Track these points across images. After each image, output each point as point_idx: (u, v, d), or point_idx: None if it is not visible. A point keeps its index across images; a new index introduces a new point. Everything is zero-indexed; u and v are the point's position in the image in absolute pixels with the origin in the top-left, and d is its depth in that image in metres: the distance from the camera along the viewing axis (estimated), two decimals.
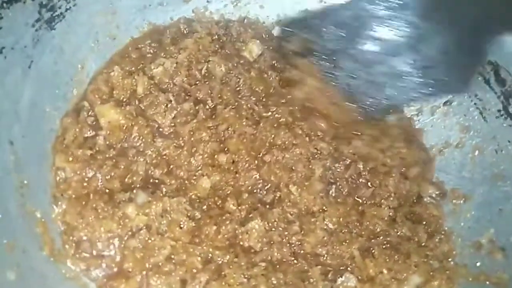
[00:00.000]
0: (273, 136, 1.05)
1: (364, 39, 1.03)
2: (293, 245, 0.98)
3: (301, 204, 1.01)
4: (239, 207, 0.99)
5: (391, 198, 1.04)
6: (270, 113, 1.08)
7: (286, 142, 1.04)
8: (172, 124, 1.03)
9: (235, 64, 1.11)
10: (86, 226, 0.94)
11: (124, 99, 1.06)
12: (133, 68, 1.10)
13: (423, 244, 1.02)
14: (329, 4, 1.20)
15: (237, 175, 1.02)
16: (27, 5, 0.94)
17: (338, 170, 1.05)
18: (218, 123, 1.04)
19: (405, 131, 1.15)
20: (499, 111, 1.07)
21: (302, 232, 0.99)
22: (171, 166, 1.02)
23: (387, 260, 0.97)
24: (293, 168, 1.03)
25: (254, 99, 1.09)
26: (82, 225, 0.94)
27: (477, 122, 1.11)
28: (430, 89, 1.03)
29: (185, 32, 1.16)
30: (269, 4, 1.26)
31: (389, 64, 1.03)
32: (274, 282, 0.93)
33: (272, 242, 0.97)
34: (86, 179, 0.98)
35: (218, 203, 1.00)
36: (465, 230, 1.06)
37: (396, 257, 0.97)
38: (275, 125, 1.06)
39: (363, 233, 1.01)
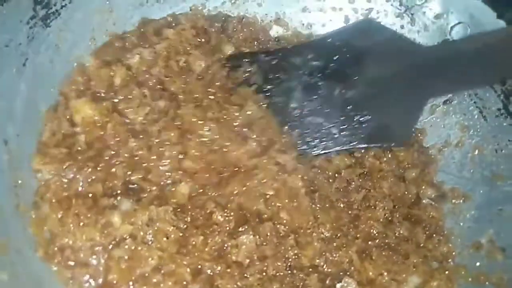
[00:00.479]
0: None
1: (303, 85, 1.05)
2: (289, 259, 0.94)
3: (293, 224, 0.97)
4: (227, 218, 0.94)
5: (386, 200, 1.03)
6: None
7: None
8: (144, 122, 0.99)
9: (215, 60, 1.09)
10: (67, 234, 0.90)
11: (101, 92, 1.02)
12: (110, 59, 1.07)
13: (421, 245, 1.01)
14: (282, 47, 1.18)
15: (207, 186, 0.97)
16: (22, 2, 0.93)
17: (324, 182, 1.02)
18: (182, 123, 1.00)
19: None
20: (499, 110, 1.06)
21: (298, 246, 0.95)
22: (145, 170, 0.97)
23: (386, 261, 0.96)
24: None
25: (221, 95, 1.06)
26: (63, 233, 0.90)
27: (477, 121, 1.11)
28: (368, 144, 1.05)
29: (172, 24, 1.14)
30: (267, 2, 1.24)
31: (324, 112, 1.04)
32: None
33: (265, 257, 0.93)
34: (66, 181, 0.93)
35: (202, 213, 0.95)
36: (465, 230, 1.05)
37: (394, 258, 0.97)
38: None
39: (359, 235, 0.99)
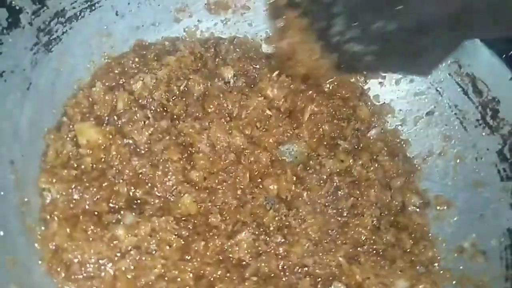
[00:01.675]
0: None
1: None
2: (279, 256, 0.99)
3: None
4: (225, 221, 1.01)
5: (373, 208, 1.07)
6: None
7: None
8: (148, 142, 1.03)
9: (214, 84, 1.14)
10: (75, 248, 0.92)
11: (104, 115, 1.06)
12: (114, 84, 1.12)
13: (408, 250, 1.06)
14: None
15: (212, 193, 1.03)
16: (26, 30, 0.99)
17: (316, 184, 1.07)
18: (185, 139, 1.06)
19: (388, 144, 1.19)
20: (477, 120, 1.12)
21: (288, 242, 1.01)
22: (149, 185, 1.01)
23: (374, 266, 1.00)
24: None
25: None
26: (72, 247, 0.92)
27: (458, 131, 1.16)
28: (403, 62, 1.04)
29: (170, 50, 1.20)
30: (258, 22, 1.31)
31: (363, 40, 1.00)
32: None
33: (260, 253, 0.99)
34: (74, 201, 0.97)
35: (203, 220, 1.01)
36: (449, 235, 1.10)
37: (382, 263, 1.00)
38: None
39: (347, 241, 1.03)
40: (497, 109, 1.09)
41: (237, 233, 0.99)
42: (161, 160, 1.02)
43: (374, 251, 1.04)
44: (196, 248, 0.97)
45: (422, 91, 1.23)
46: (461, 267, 1.04)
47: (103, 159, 1.01)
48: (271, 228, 1.03)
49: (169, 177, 1.01)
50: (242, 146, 1.09)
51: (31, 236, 0.92)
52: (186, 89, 1.12)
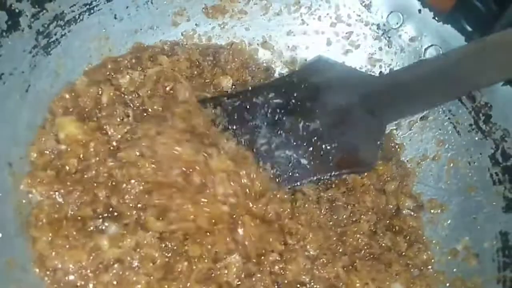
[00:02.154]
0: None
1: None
2: (275, 275, 0.97)
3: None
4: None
5: (370, 213, 1.08)
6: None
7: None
8: (120, 140, 1.00)
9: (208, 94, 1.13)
10: (56, 256, 0.90)
11: (87, 110, 1.04)
12: (101, 79, 1.11)
13: (403, 253, 1.07)
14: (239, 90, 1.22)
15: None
16: (25, 33, 0.99)
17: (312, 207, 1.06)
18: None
19: (382, 148, 1.19)
20: (470, 125, 1.14)
21: (284, 260, 0.98)
22: (121, 192, 0.96)
23: (370, 271, 1.01)
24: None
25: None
26: (52, 254, 0.90)
27: (451, 136, 1.18)
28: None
29: (168, 53, 1.20)
30: (254, 27, 1.32)
31: (292, 145, 1.08)
32: None
33: (252, 274, 0.95)
34: (57, 205, 0.94)
35: (182, 242, 0.95)
36: (443, 238, 1.12)
37: (378, 267, 1.02)
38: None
39: (346, 250, 1.03)
40: (490, 114, 1.11)
41: (225, 255, 0.95)
42: (128, 163, 0.97)
43: (371, 256, 1.05)
44: (179, 268, 0.93)
45: None
46: (454, 270, 1.06)
47: (82, 157, 0.98)
48: (265, 250, 0.98)
49: (131, 184, 0.96)
50: None
51: (28, 239, 0.92)
52: (172, 91, 1.11)
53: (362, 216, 1.08)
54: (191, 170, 0.98)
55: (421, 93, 1.08)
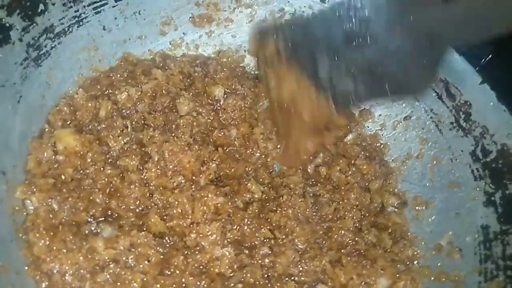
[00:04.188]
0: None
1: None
2: (265, 267, 1.01)
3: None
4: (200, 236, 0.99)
5: (354, 210, 1.11)
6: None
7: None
8: (120, 150, 1.05)
9: (202, 103, 1.17)
10: (54, 259, 0.92)
11: (85, 122, 1.08)
12: (99, 93, 1.15)
13: (388, 249, 1.09)
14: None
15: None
16: (16, 46, 1.03)
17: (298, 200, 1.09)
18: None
19: (365, 148, 1.24)
20: (452, 123, 1.17)
21: (273, 253, 1.01)
22: (121, 197, 1.01)
23: (356, 266, 1.03)
24: None
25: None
26: (50, 258, 0.92)
27: (434, 134, 1.21)
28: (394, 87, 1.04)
29: (159, 66, 1.24)
30: (241, 34, 1.36)
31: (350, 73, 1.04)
32: None
33: (244, 265, 0.99)
34: (53, 211, 0.97)
35: (180, 237, 1.00)
36: (427, 234, 1.15)
37: (363, 262, 1.04)
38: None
39: (332, 246, 1.06)
40: (470, 112, 1.14)
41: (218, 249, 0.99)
42: (129, 172, 1.03)
43: (356, 252, 1.07)
44: (175, 263, 0.97)
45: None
46: (439, 264, 1.09)
47: (79, 167, 1.02)
48: (256, 243, 1.03)
49: (133, 189, 1.02)
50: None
51: (22, 244, 0.95)
52: (170, 104, 1.15)
53: (346, 213, 1.10)
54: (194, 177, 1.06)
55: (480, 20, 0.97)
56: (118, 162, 1.04)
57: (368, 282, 1.03)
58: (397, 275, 1.05)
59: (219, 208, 1.03)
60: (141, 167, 1.04)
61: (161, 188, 1.04)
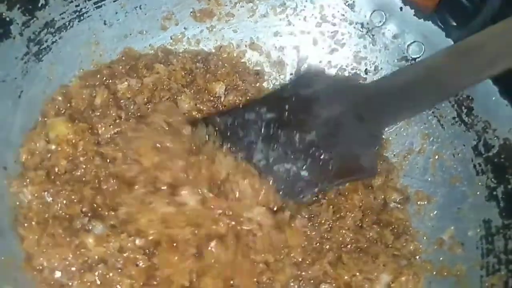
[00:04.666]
0: None
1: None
2: (263, 285, 0.97)
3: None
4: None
5: (356, 210, 1.10)
6: None
7: None
8: (109, 140, 1.02)
9: (203, 100, 1.16)
10: (42, 254, 0.91)
11: (80, 110, 1.06)
12: (97, 83, 1.13)
13: (390, 245, 1.10)
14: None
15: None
16: (16, 41, 1.03)
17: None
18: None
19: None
20: (454, 118, 1.17)
21: (271, 269, 0.97)
22: (105, 193, 0.97)
23: (357, 263, 1.03)
24: None
25: None
26: (38, 253, 0.91)
27: (436, 129, 1.21)
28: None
29: (162, 60, 1.23)
30: (242, 29, 1.35)
31: (290, 158, 1.05)
32: None
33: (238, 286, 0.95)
34: (46, 204, 0.96)
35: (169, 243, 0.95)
36: (429, 229, 1.15)
37: (364, 259, 1.04)
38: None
39: (332, 246, 1.05)
40: (472, 106, 1.13)
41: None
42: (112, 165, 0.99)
43: (358, 249, 1.07)
44: (161, 275, 0.92)
45: None
46: (441, 258, 1.09)
47: (70, 157, 1.00)
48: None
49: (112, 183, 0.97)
50: None
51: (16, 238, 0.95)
52: (170, 100, 1.13)
53: (347, 213, 1.09)
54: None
55: (410, 98, 1.09)
56: (100, 149, 1.00)
57: (370, 278, 1.04)
58: (399, 270, 1.05)
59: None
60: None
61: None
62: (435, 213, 1.16)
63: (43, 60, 1.10)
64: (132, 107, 1.12)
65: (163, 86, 1.16)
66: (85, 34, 1.18)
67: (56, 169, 1.00)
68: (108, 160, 1.01)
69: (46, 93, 1.11)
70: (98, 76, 1.16)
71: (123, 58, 1.23)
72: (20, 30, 1.03)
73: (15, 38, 1.02)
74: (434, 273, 1.07)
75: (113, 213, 0.96)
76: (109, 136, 1.04)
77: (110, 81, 1.14)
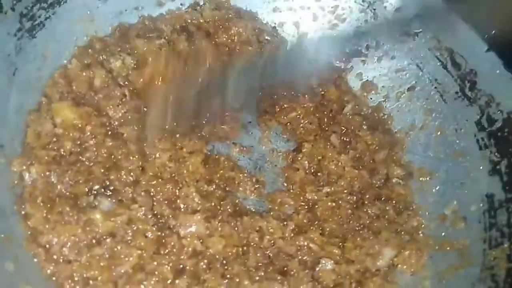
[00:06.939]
0: None
1: None
2: (267, 250, 1.00)
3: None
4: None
5: (349, 197, 1.10)
6: None
7: None
8: (122, 120, 1.04)
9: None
10: (51, 231, 0.91)
11: (82, 93, 1.06)
12: (91, 61, 1.11)
13: (392, 221, 1.09)
14: None
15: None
16: (8, 16, 1.00)
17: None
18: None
19: (366, 118, 1.22)
20: (456, 93, 1.15)
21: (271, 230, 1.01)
22: (121, 170, 1.00)
23: (359, 239, 1.03)
24: None
25: None
26: (47, 230, 0.91)
27: (438, 104, 1.20)
28: None
29: (151, 28, 1.21)
30: (241, 5, 1.31)
31: None
32: (257, 278, 0.95)
33: (244, 248, 0.99)
34: (51, 183, 0.96)
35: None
36: (432, 204, 1.14)
37: (366, 235, 1.04)
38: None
39: (333, 226, 1.06)
40: (475, 80, 1.12)
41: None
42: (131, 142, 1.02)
43: (361, 226, 1.07)
44: (172, 243, 0.95)
45: (403, 67, 1.26)
46: (443, 233, 1.08)
47: (78, 141, 1.00)
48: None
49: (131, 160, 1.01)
50: None
51: (24, 216, 0.94)
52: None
53: (340, 203, 1.09)
54: None
55: None
56: (118, 130, 1.02)
57: (371, 253, 1.03)
58: (402, 246, 1.05)
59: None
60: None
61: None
62: (437, 188, 1.15)
63: (37, 37, 1.07)
64: (130, 84, 1.09)
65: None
66: (79, 10, 1.15)
67: (62, 151, 1.00)
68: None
69: (42, 71, 1.09)
70: (91, 50, 1.14)
71: (117, 31, 1.21)
72: (11, 5, 1.00)
73: (7, 13, 0.99)
74: (437, 248, 1.07)
75: (128, 188, 0.98)
76: (120, 115, 1.03)
77: (104, 57, 1.12)
